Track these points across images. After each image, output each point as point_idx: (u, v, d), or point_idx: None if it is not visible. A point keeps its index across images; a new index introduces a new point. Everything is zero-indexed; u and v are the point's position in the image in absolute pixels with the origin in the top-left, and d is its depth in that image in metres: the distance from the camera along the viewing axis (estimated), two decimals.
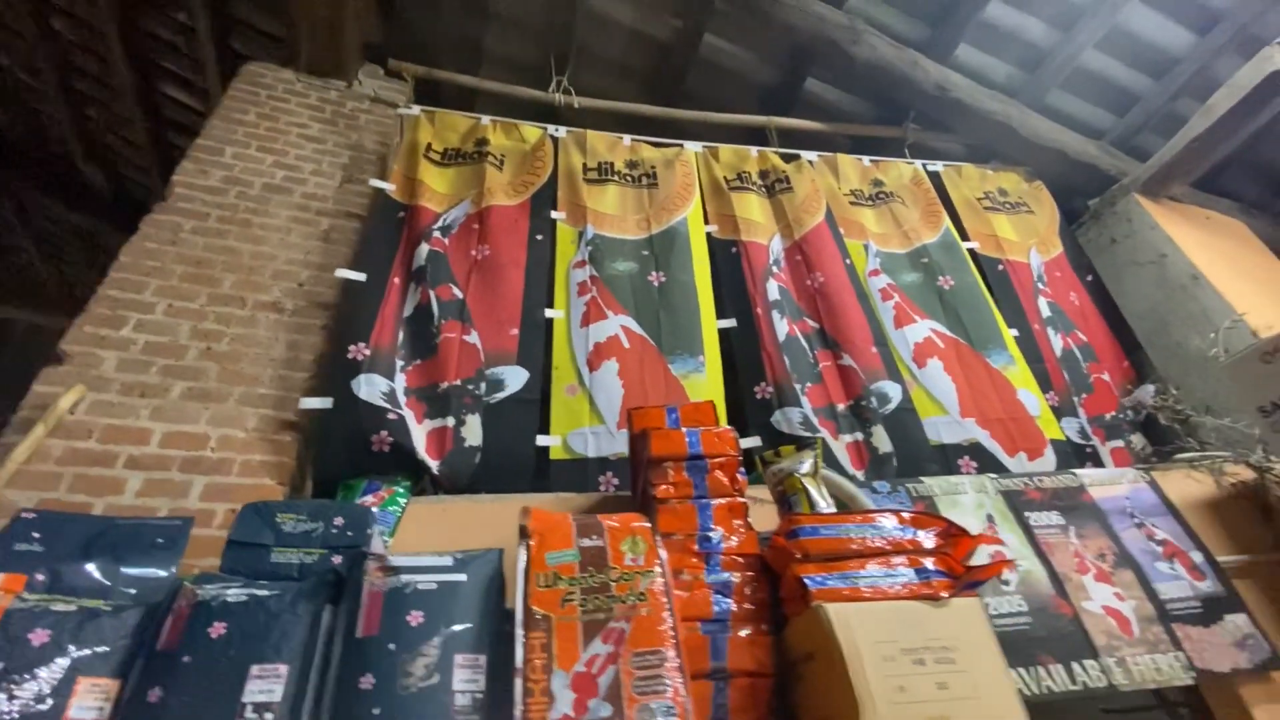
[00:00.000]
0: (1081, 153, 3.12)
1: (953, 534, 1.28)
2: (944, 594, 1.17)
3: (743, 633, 1.22)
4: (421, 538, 1.62)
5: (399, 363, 1.93)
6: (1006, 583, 1.71)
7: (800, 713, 1.17)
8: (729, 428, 1.56)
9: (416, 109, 2.70)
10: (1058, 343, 2.65)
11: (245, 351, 1.91)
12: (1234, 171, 3.39)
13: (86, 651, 0.94)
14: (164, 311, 1.92)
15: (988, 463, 2.14)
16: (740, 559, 1.33)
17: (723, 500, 1.43)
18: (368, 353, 1.88)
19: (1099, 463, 2.35)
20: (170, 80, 3.87)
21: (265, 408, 1.83)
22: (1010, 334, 2.52)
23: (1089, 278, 2.94)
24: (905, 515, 1.30)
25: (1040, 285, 2.81)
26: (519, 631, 0.98)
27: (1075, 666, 1.58)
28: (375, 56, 3.00)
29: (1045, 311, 2.72)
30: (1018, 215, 3.03)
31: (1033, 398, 2.33)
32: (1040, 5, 2.93)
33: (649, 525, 1.18)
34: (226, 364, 1.88)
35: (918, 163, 3.10)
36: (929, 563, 1.21)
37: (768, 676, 1.18)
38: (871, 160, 3.08)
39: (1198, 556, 1.84)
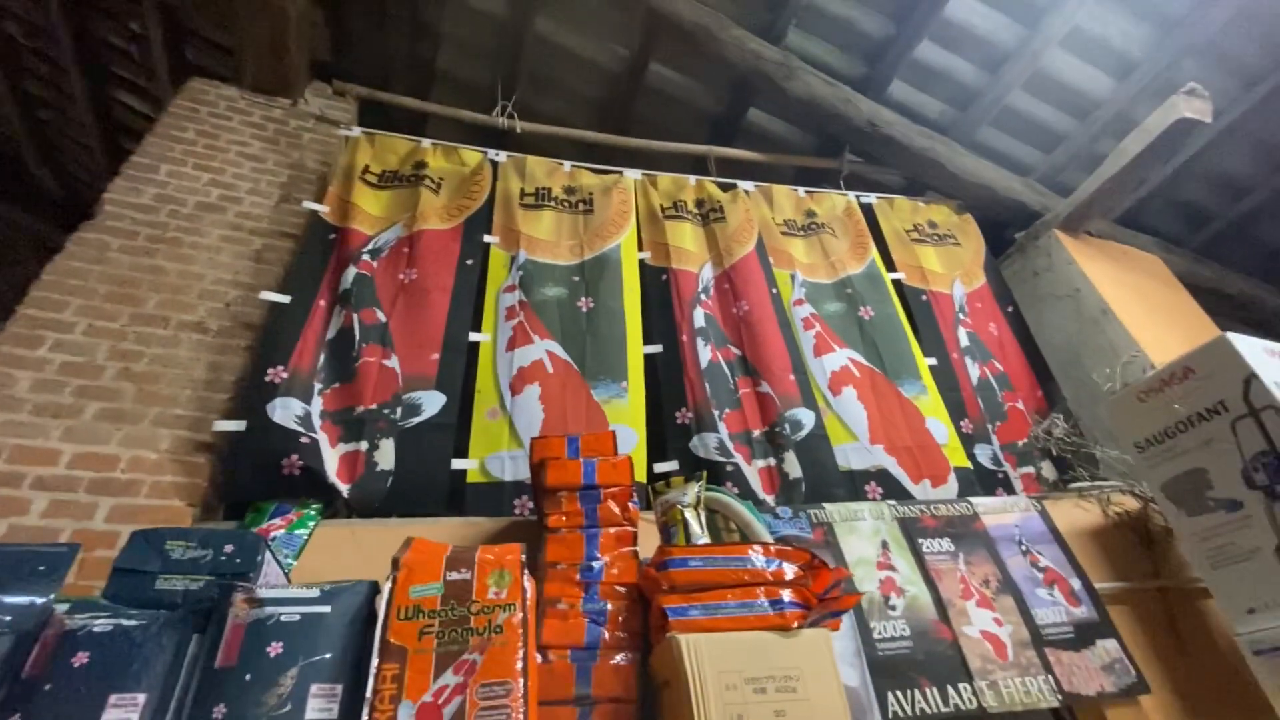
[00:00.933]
0: (1008, 189, 3.26)
1: (815, 566, 1.36)
2: (795, 624, 1.24)
3: (611, 660, 1.29)
4: (329, 561, 1.66)
5: (317, 385, 1.97)
6: (894, 608, 1.80)
7: None
8: (626, 456, 1.63)
9: (357, 130, 2.74)
10: (975, 371, 2.77)
11: (164, 372, 1.94)
12: (1155, 207, 3.57)
13: None
14: (83, 331, 1.94)
15: (893, 489, 2.23)
16: (619, 588, 1.40)
17: (612, 529, 1.50)
18: (285, 375, 1.92)
19: (1009, 488, 2.46)
20: (122, 86, 3.87)
21: (181, 429, 1.86)
22: (926, 364, 2.63)
23: (1009, 308, 3.07)
24: (773, 549, 1.38)
25: (961, 315, 2.93)
26: (374, 662, 1.03)
27: (949, 689, 1.67)
28: (325, 75, 3.05)
29: (964, 341, 2.84)
30: (944, 247, 3.16)
31: (942, 427, 2.43)
32: (968, 48, 3.06)
33: (521, 558, 1.23)
34: (144, 384, 1.90)
35: (851, 194, 3.22)
36: (786, 594, 1.29)
37: (631, 703, 1.25)
38: (806, 191, 3.19)
39: (1076, 583, 1.95)
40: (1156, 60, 3.01)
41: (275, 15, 2.61)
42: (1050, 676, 1.74)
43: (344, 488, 1.80)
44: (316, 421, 1.88)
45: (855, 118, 3.04)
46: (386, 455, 1.87)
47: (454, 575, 1.17)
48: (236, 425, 1.82)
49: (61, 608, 1.14)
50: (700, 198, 2.95)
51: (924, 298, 2.91)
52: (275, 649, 1.04)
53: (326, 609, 1.10)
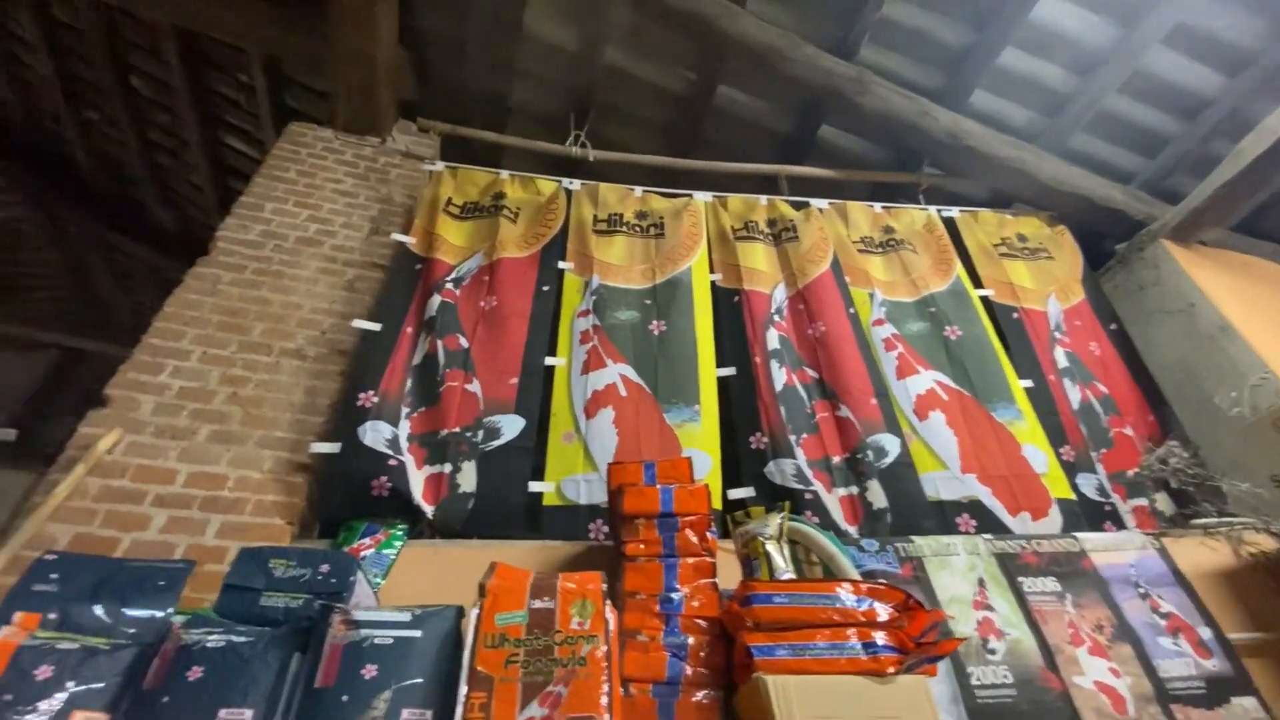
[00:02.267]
0: (1106, 197, 3.05)
1: (910, 608, 1.28)
2: (891, 669, 1.17)
3: (694, 697, 1.25)
4: (414, 580, 1.71)
5: (405, 409, 2.05)
6: (993, 652, 1.68)
7: None
8: (703, 484, 1.60)
9: (440, 165, 2.88)
10: (1075, 394, 2.58)
11: (267, 396, 2.07)
12: (1278, 213, 3.24)
13: (83, 687, 1.05)
14: (198, 359, 2.10)
15: (988, 522, 2.09)
16: (700, 621, 1.36)
17: (690, 559, 1.47)
18: (375, 400, 2.01)
19: (1119, 522, 2.26)
20: (231, 131, 4.23)
21: (281, 450, 1.97)
22: (1021, 386, 2.47)
23: (1112, 326, 2.85)
24: (864, 586, 1.31)
25: (1058, 334, 2.74)
26: (462, 690, 1.04)
27: None
28: (410, 113, 3.23)
29: (1063, 362, 2.65)
30: (1036, 261, 2.97)
31: (1040, 454, 2.27)
32: (1057, 51, 2.90)
33: (603, 588, 1.23)
34: (250, 408, 2.04)
35: (932, 209, 3.09)
36: (880, 637, 1.22)
37: None
38: (884, 206, 3.09)
39: (1206, 632, 1.76)
40: (1274, 52, 2.76)
41: (366, 61, 2.79)
42: None
43: (428, 509, 1.85)
44: (404, 444, 1.95)
45: (934, 130, 2.93)
46: (469, 477, 1.92)
47: (538, 604, 1.17)
48: (331, 447, 1.92)
49: (177, 621, 1.22)
50: (772, 217, 2.91)
51: (1015, 315, 2.74)
52: (370, 671, 1.07)
53: (418, 633, 1.13)
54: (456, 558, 1.79)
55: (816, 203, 3.00)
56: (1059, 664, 1.66)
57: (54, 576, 1.20)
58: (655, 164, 3.22)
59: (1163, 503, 2.34)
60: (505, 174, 2.87)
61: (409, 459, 1.93)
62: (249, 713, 1.03)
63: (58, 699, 1.03)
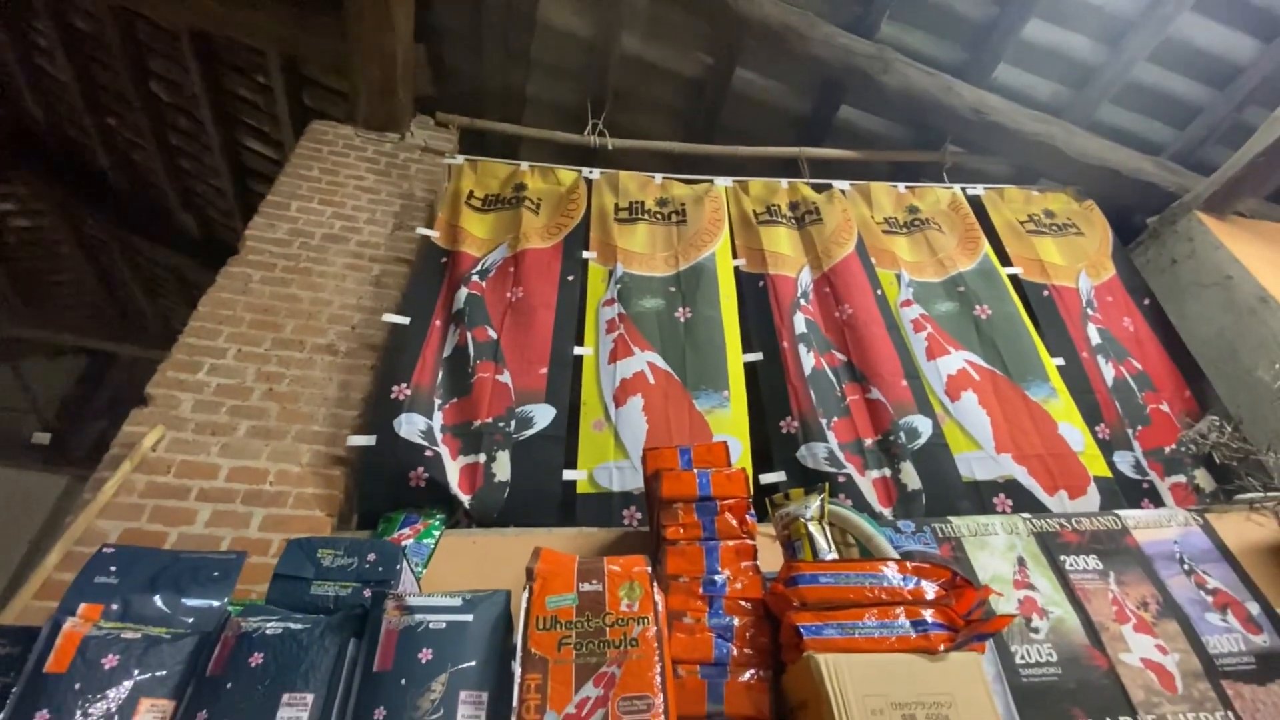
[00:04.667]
0: (1136, 170, 2.98)
1: (957, 585, 1.27)
2: (942, 647, 1.17)
3: (741, 678, 1.25)
4: (453, 569, 1.73)
5: (437, 401, 2.07)
6: (1036, 630, 1.66)
7: None
8: (741, 468, 1.60)
9: (460, 158, 2.88)
10: (1109, 371, 2.54)
11: (302, 392, 2.10)
12: None
13: (148, 675, 1.08)
14: (234, 356, 2.14)
15: (1024, 501, 2.07)
16: (744, 603, 1.36)
17: (731, 542, 1.47)
18: (408, 392, 2.03)
19: (1157, 499, 2.23)
20: (249, 133, 4.27)
21: (318, 444, 2.00)
22: (1054, 364, 2.43)
23: (1146, 301, 2.79)
24: (909, 565, 1.31)
25: (1090, 310, 2.70)
26: (517, 671, 1.06)
27: None
28: (426, 108, 3.23)
29: (1095, 338, 2.61)
30: (1065, 237, 2.92)
31: (1076, 432, 2.24)
32: (1083, 21, 2.84)
33: (648, 570, 1.23)
34: (286, 403, 2.07)
35: (956, 187, 3.05)
36: (928, 614, 1.21)
37: None
38: (907, 186, 3.05)
39: (1254, 607, 1.73)
40: None
41: (386, 58, 2.80)
42: (1230, 713, 1.54)
43: (465, 498, 1.87)
44: (438, 435, 1.97)
45: (958, 106, 2.88)
46: (503, 466, 1.94)
47: (586, 586, 1.18)
48: (367, 440, 1.94)
49: (234, 610, 1.24)
50: (794, 200, 2.89)
51: (1045, 293, 2.70)
52: (425, 655, 1.08)
53: (469, 617, 1.14)
54: (494, 546, 1.81)
55: (839, 184, 2.96)
56: (1104, 641, 1.64)
57: (113, 569, 1.23)
58: (671, 151, 3.20)
59: (1202, 479, 2.30)
60: (525, 165, 2.87)
61: (444, 449, 1.95)
62: (311, 696, 1.05)
63: (124, 687, 1.06)
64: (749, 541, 1.47)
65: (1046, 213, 3.01)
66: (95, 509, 1.68)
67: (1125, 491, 2.19)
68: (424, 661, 1.07)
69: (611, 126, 3.20)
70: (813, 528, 1.47)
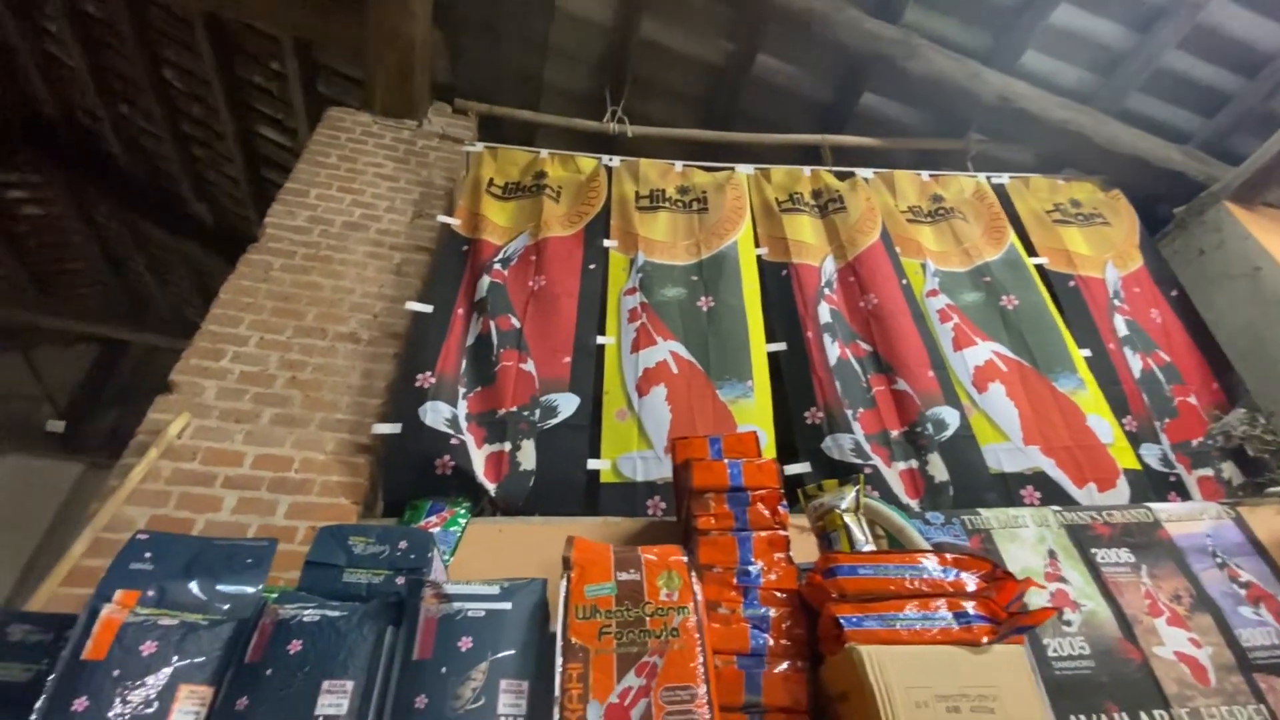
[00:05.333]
0: (1164, 159, 2.93)
1: (998, 577, 1.26)
2: (985, 639, 1.15)
3: (778, 668, 1.24)
4: (479, 557, 1.72)
5: (461, 390, 2.06)
6: (1068, 623, 1.65)
7: None
8: (771, 459, 1.58)
9: (480, 146, 2.85)
10: (1136, 363, 2.50)
11: (325, 380, 2.09)
12: None
13: (186, 662, 1.07)
14: (256, 344, 2.13)
15: (1053, 494, 2.05)
16: (779, 594, 1.35)
17: (763, 533, 1.45)
18: (433, 381, 2.02)
19: (1184, 493, 2.20)
20: (263, 121, 4.24)
21: (342, 432, 1.99)
22: (1081, 355, 2.40)
23: (1173, 293, 2.75)
24: (948, 556, 1.29)
25: (1117, 301, 2.66)
26: (558, 661, 1.05)
27: (1143, 717, 1.50)
28: (444, 95, 3.20)
29: (1122, 330, 2.58)
30: (1092, 227, 2.88)
31: (1104, 424, 2.21)
32: (1113, 6, 2.78)
33: (685, 560, 1.22)
34: (309, 391, 2.06)
35: (980, 176, 3.00)
36: (970, 606, 1.20)
37: (802, 714, 1.20)
38: (931, 175, 3.01)
39: None
40: None
41: (403, 42, 2.77)
42: (1264, 706, 1.53)
43: (491, 487, 1.86)
44: (463, 423, 1.96)
45: (984, 93, 2.83)
46: (528, 455, 1.93)
47: (624, 575, 1.17)
48: (392, 428, 1.93)
49: (269, 597, 1.24)
50: (817, 188, 2.85)
51: (1072, 284, 2.66)
52: (465, 643, 1.08)
53: (508, 605, 1.14)
54: (520, 534, 1.80)
55: (862, 172, 2.93)
56: (1137, 635, 1.63)
57: (148, 555, 1.22)
58: (693, 138, 3.16)
59: (1229, 472, 2.27)
60: (545, 153, 2.84)
61: (469, 438, 1.94)
62: (350, 684, 1.05)
63: (163, 674, 1.05)
64: (782, 533, 1.46)
65: (1073, 202, 2.97)
66: (123, 495, 1.68)
67: (1153, 484, 2.17)
68: (464, 650, 1.07)
69: (630, 114, 3.17)
70: (849, 519, 1.45)
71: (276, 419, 1.98)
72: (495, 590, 1.16)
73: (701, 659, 1.06)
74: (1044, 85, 2.95)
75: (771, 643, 1.28)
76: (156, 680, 1.04)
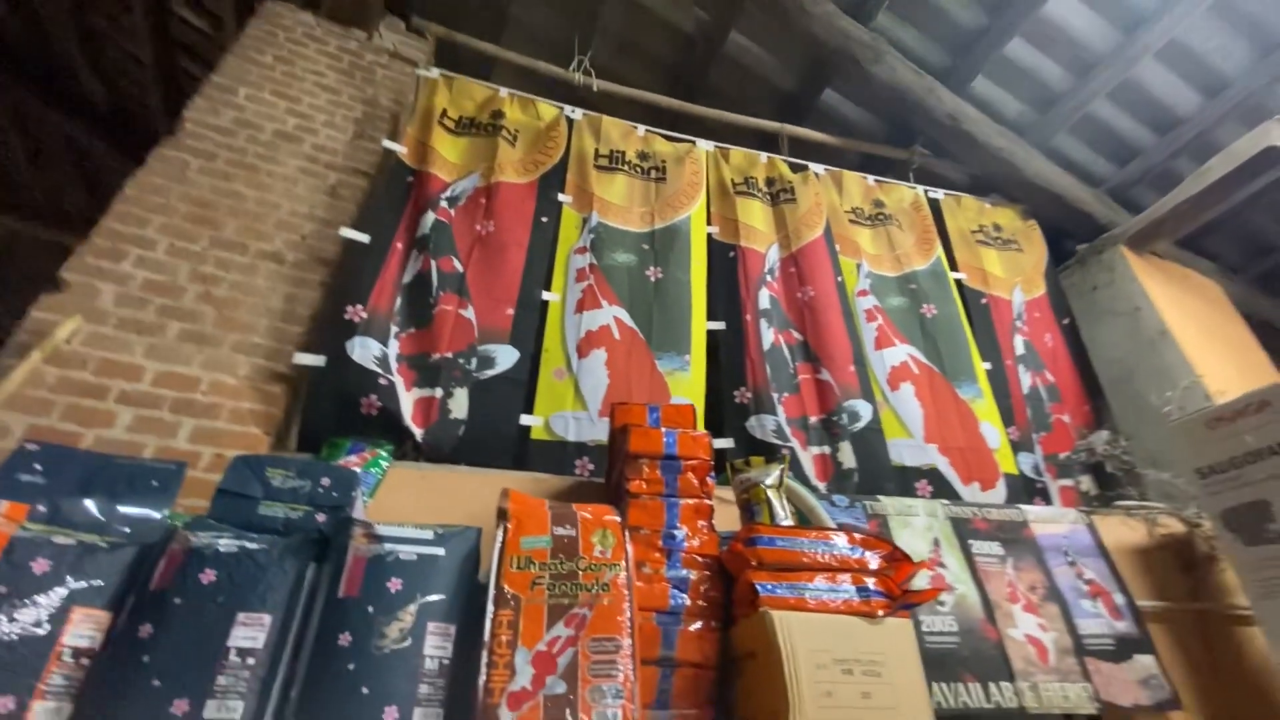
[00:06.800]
0: (1078, 198, 3.21)
1: (897, 558, 1.38)
2: (880, 612, 1.27)
3: (693, 627, 1.32)
4: (400, 502, 1.69)
5: (394, 329, 1.98)
6: (942, 604, 1.84)
7: (737, 704, 1.27)
8: (705, 432, 1.64)
9: (435, 72, 2.69)
10: (1026, 380, 2.77)
11: (243, 299, 1.94)
12: (1219, 233, 3.52)
13: (83, 584, 1.00)
14: (165, 250, 1.94)
15: (942, 488, 2.26)
16: (700, 558, 1.42)
17: (691, 500, 1.51)
18: (364, 315, 1.92)
19: (1047, 499, 2.49)
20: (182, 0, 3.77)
21: (258, 357, 1.87)
22: (983, 367, 2.63)
23: (1065, 321, 3.05)
24: (856, 536, 1.40)
25: (1019, 323, 2.92)
26: (489, 608, 1.06)
27: (992, 687, 1.71)
28: (398, 8, 2.97)
29: (1020, 349, 2.84)
30: (1008, 252, 3.12)
31: (994, 431, 2.45)
32: (1059, 49, 2.98)
33: (619, 520, 1.26)
34: (224, 309, 1.91)
35: (920, 188, 3.17)
36: (871, 582, 1.31)
37: (711, 669, 1.28)
38: (876, 180, 3.14)
39: (1120, 598, 1.98)
40: (1250, 82, 2.94)
41: None
42: (1089, 685, 1.78)
43: (418, 432, 1.82)
44: (393, 364, 1.89)
45: (937, 110, 2.98)
46: (460, 404, 1.89)
47: (560, 530, 1.19)
48: (316, 360, 1.83)
49: (178, 523, 1.16)
50: (771, 176, 2.91)
51: (984, 301, 2.89)
52: (395, 585, 1.07)
53: (440, 551, 1.13)
54: (444, 482, 1.77)
55: (815, 167, 3.01)
56: (997, 618, 1.85)
57: (38, 467, 1.12)
58: (657, 103, 3.12)
59: (1087, 484, 2.59)
60: (505, 92, 2.72)
61: (398, 379, 1.88)
62: (269, 617, 1.01)
63: (56, 594, 0.98)
64: (707, 502, 1.53)
65: (995, 226, 3.20)
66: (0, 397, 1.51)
67: (1025, 488, 2.43)
68: (393, 591, 1.06)
69: (597, 68, 3.08)
70: (772, 494, 1.54)
71: (184, 335, 1.82)
72: (429, 535, 1.15)
73: (629, 613, 1.11)
74: (988, 111, 3.14)
75: (689, 603, 1.35)
76: (49, 600, 0.97)
